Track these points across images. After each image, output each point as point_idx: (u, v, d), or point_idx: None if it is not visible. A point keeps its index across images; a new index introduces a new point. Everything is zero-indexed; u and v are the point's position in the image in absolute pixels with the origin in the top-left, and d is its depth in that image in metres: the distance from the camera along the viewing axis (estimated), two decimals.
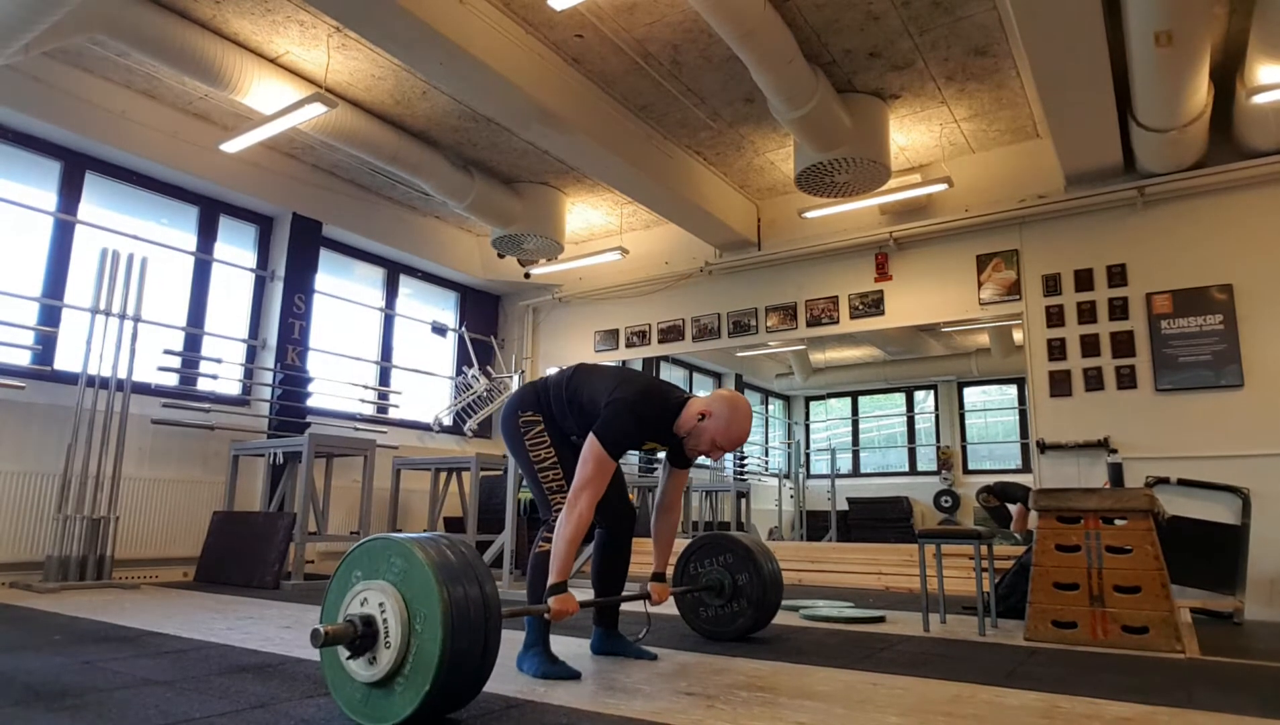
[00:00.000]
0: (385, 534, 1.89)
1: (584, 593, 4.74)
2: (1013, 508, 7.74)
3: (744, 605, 3.14)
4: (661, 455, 2.84)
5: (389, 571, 1.83)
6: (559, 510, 2.45)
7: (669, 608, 4.18)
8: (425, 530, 6.77)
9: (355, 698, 1.80)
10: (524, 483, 5.25)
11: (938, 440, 11.04)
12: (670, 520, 2.80)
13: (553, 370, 3.04)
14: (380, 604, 1.78)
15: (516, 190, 6.51)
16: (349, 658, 1.80)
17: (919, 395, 11.35)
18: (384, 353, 7.34)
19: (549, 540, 2.45)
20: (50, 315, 5.10)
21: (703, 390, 10.63)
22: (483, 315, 8.32)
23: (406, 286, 7.66)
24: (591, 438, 2.41)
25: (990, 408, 10.96)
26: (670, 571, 3.12)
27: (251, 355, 6.22)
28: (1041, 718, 1.99)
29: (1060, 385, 5.32)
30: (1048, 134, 5.19)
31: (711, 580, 3.19)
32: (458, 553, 1.87)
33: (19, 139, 5.07)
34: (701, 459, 2.72)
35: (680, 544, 3.56)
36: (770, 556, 3.21)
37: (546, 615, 2.32)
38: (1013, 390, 10.53)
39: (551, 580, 2.34)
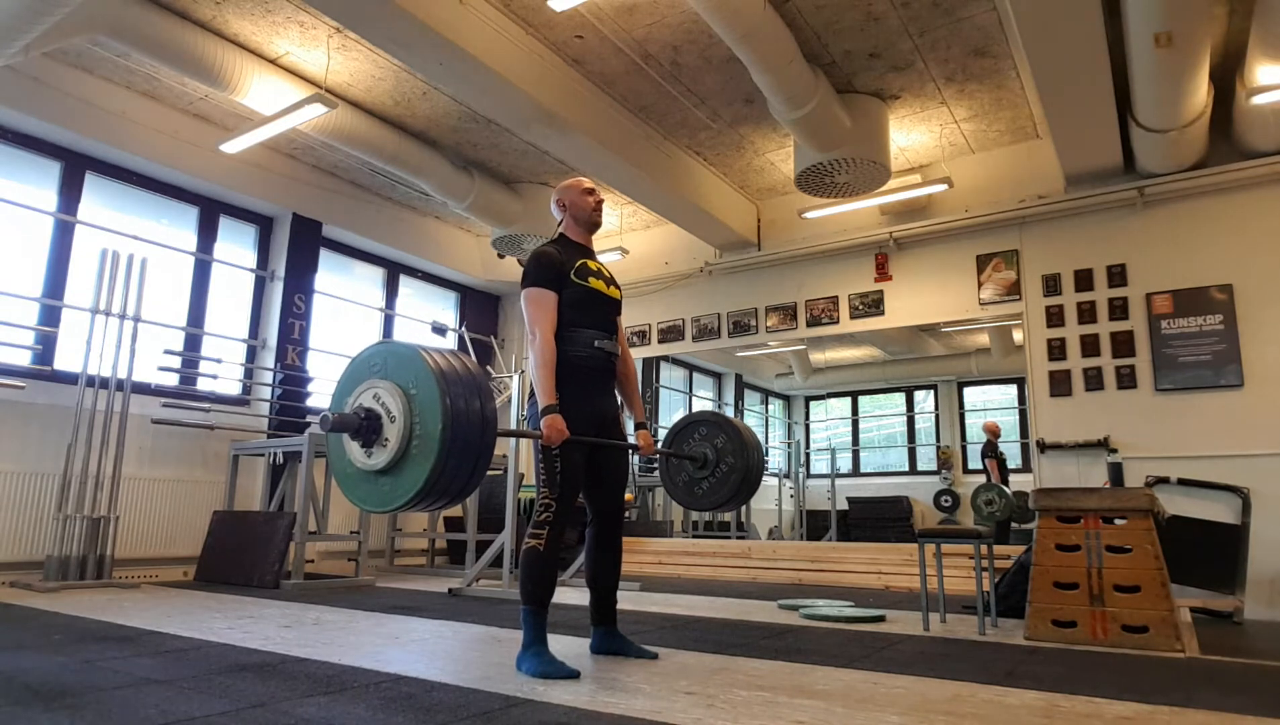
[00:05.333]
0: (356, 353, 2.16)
1: (583, 593, 4.75)
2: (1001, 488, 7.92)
3: (731, 464, 3.24)
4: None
5: (371, 372, 2.06)
6: (543, 510, 2.50)
7: (671, 608, 4.18)
8: (424, 530, 6.78)
9: (381, 492, 2.00)
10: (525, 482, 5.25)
11: (938, 440, 11.04)
12: (627, 365, 2.87)
13: None
14: (374, 395, 2.00)
15: (516, 190, 6.52)
16: (362, 447, 2.01)
17: (919, 395, 11.35)
18: None
19: (537, 537, 2.46)
20: (50, 315, 5.10)
21: (703, 389, 10.65)
22: (483, 315, 8.32)
23: (406, 286, 7.66)
24: (523, 292, 2.60)
25: (990, 408, 10.96)
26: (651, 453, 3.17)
27: (251, 355, 6.23)
28: (1041, 717, 1.99)
29: (1060, 385, 5.32)
30: (1048, 134, 5.19)
31: (694, 453, 3.32)
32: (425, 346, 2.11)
33: (19, 139, 5.07)
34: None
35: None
36: (747, 429, 3.34)
37: (540, 439, 2.41)
38: (1013, 390, 10.54)
39: (542, 404, 2.44)
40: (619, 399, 2.84)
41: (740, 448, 3.22)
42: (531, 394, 2.63)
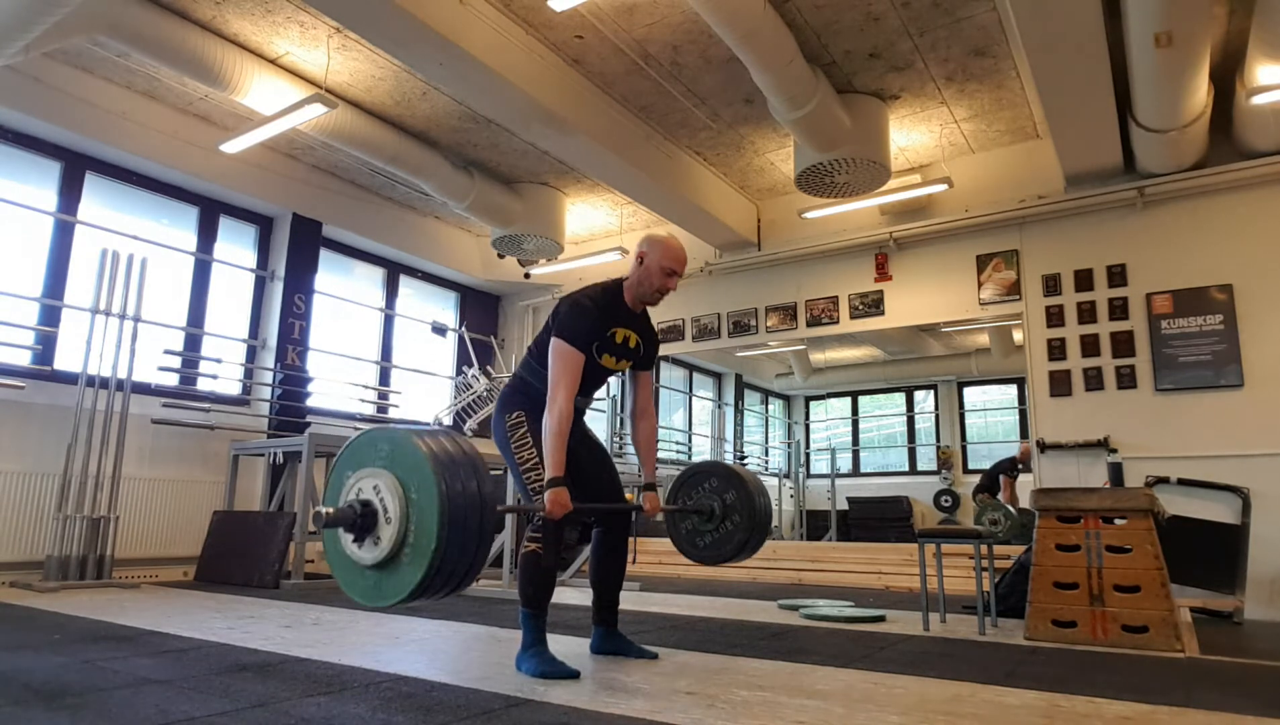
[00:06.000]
0: (364, 430, 2.03)
1: (583, 593, 4.75)
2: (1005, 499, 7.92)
3: (737, 522, 3.17)
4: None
5: (376, 458, 1.95)
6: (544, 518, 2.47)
7: (671, 608, 4.18)
8: None
9: (368, 585, 1.90)
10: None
11: (938, 440, 11.04)
12: (648, 426, 2.83)
13: None
14: (374, 487, 1.90)
15: (516, 190, 6.51)
16: (354, 541, 1.91)
17: (919, 395, 11.35)
18: (384, 353, 7.34)
19: (535, 541, 2.43)
20: (50, 315, 5.10)
21: (703, 389, 10.64)
22: (483, 315, 8.32)
23: (406, 286, 7.66)
24: (553, 340, 2.50)
25: (990, 408, 10.97)
26: (663, 495, 3.14)
27: (251, 355, 6.23)
28: (1041, 717, 1.99)
29: (1060, 385, 5.32)
30: (1048, 134, 5.19)
31: (701, 505, 3.23)
32: (436, 433, 1.99)
33: (19, 139, 5.07)
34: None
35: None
36: (757, 483, 3.26)
37: (541, 512, 2.35)
38: (1013, 390, 10.54)
39: (548, 475, 2.37)
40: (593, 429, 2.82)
41: (749, 507, 3.11)
42: (504, 403, 2.62)
